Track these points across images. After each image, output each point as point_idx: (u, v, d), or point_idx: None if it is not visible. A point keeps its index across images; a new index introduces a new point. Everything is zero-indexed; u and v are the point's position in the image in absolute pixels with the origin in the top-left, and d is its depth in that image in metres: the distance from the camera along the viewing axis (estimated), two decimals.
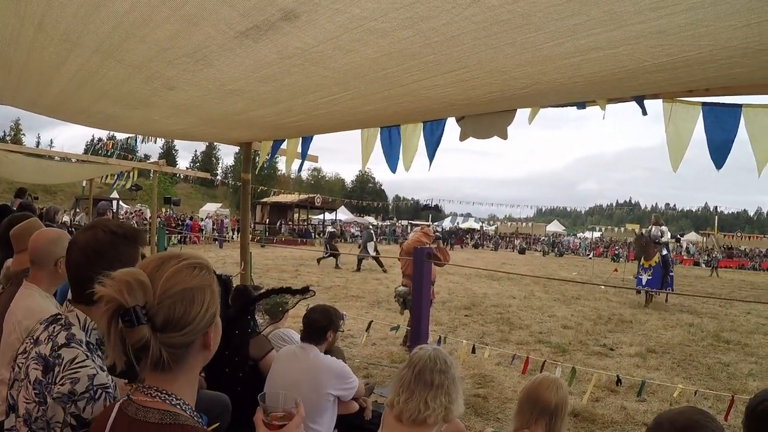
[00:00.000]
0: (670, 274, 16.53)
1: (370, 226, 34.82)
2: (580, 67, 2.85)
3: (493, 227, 76.90)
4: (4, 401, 2.17)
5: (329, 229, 32.33)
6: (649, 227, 17.07)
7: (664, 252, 16.30)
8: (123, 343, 1.37)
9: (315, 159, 8.49)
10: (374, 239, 25.23)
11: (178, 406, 1.46)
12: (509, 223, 78.42)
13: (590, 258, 45.46)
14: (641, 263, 16.27)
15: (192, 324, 1.44)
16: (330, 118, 4.65)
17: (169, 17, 2.59)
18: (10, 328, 2.85)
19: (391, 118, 4.73)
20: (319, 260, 25.09)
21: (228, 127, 5.52)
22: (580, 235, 75.94)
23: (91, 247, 2.16)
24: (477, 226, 71.78)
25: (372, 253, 23.83)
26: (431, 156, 4.90)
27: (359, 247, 25.24)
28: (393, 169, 5.29)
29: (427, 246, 8.38)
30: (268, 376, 4.21)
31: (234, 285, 5.41)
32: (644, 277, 16.01)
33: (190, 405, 1.51)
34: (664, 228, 16.87)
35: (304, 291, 4.82)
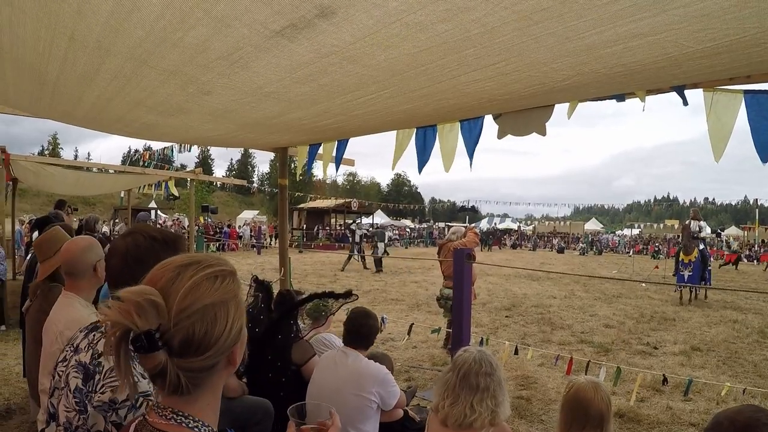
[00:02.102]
0: (708, 269, 16.16)
1: (381, 228, 34.54)
2: (621, 56, 2.76)
3: (530, 227, 76.40)
4: (46, 410, 2.16)
5: (355, 229, 30.66)
6: (688, 221, 16.74)
7: (701, 247, 15.89)
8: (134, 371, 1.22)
9: (351, 163, 8.48)
10: (385, 240, 25.34)
11: (195, 429, 1.29)
12: (547, 223, 77.92)
13: (630, 255, 44.85)
14: (681, 259, 15.90)
15: (215, 346, 1.26)
16: (367, 119, 4.60)
17: (201, 19, 2.55)
18: (51, 339, 2.84)
19: (428, 117, 4.65)
20: (363, 263, 24.90)
21: (265, 132, 5.49)
22: (618, 232, 74.98)
23: (131, 253, 2.14)
24: (514, 226, 71.46)
25: (380, 253, 24.10)
26: (471, 154, 4.83)
27: (373, 248, 25.38)
28: (420, 169, 5.24)
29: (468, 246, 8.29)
30: (309, 382, 4.18)
31: (276, 290, 5.38)
32: (686, 273, 15.65)
33: (210, 427, 1.34)
34: (702, 223, 16.57)
35: (347, 295, 4.77)
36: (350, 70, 3.17)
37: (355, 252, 24.65)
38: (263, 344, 4.48)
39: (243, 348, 1.39)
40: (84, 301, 3.02)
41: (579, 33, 2.46)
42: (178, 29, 2.69)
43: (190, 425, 1.28)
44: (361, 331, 4.16)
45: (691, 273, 15.50)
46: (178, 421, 1.28)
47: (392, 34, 2.56)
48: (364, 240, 25.97)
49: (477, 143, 4.81)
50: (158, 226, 28.55)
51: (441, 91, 3.58)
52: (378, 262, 24.06)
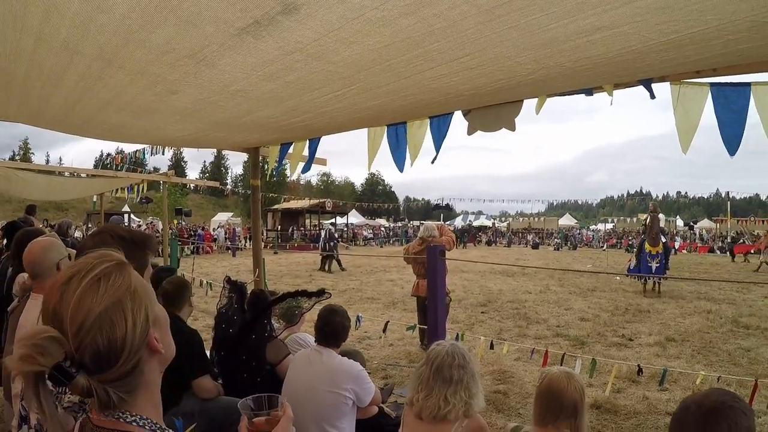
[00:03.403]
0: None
1: (331, 228, 34.48)
2: (586, 49, 2.79)
3: (505, 224, 76.70)
4: (18, 414, 2.15)
5: (328, 227, 30.36)
6: (646, 217, 16.88)
7: (663, 239, 16.16)
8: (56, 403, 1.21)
9: (324, 162, 8.46)
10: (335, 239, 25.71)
11: (134, 423, 1.27)
12: (521, 219, 78.31)
13: (604, 249, 45.24)
14: (647, 250, 16.01)
15: (125, 349, 1.22)
16: (336, 116, 4.60)
17: (166, 18, 2.55)
18: None
19: (398, 113, 4.67)
20: (328, 267, 24.66)
21: (234, 131, 5.47)
22: (592, 227, 75.60)
23: None
24: (489, 223, 71.62)
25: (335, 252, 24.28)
26: (437, 149, 4.86)
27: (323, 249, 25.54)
28: (400, 168, 5.26)
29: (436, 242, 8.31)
30: (284, 381, 4.18)
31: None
32: (653, 265, 15.80)
33: (150, 419, 1.31)
34: (661, 215, 16.75)
35: (320, 293, 4.77)
36: (315, 67, 3.18)
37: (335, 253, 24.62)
38: (237, 345, 4.47)
39: (162, 328, 1.37)
40: None
41: (542, 26, 2.48)
42: (144, 28, 2.69)
43: (128, 419, 1.27)
44: (327, 329, 4.15)
45: (658, 264, 15.68)
46: (116, 416, 1.26)
47: (356, 30, 2.58)
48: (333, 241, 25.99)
49: (444, 138, 4.83)
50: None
51: (407, 86, 3.59)
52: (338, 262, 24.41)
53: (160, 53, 3.03)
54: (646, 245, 15.99)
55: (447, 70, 3.19)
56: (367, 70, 3.24)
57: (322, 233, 28.42)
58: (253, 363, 4.39)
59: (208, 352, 4.77)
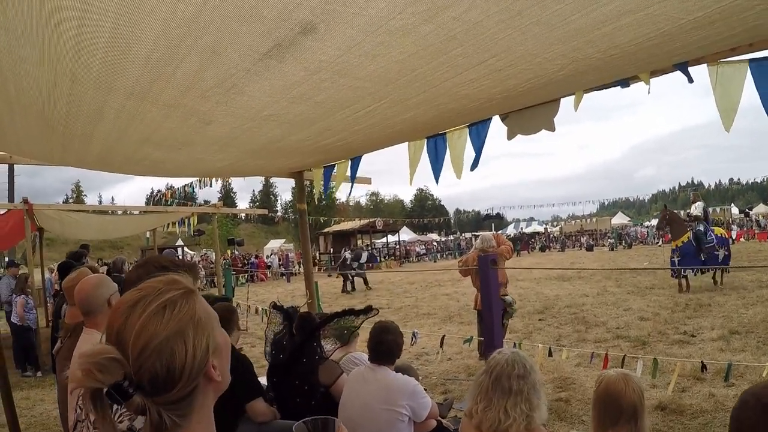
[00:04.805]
0: (715, 252, 15.05)
1: (360, 250, 34.38)
2: (613, 37, 2.71)
3: (557, 228, 75.79)
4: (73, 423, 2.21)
5: (345, 252, 30.31)
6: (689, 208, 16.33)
7: (700, 227, 15.22)
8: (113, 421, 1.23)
9: (368, 181, 8.47)
10: (359, 259, 26.00)
11: None
12: (573, 222, 77.20)
13: (660, 246, 44.24)
14: (672, 246, 15.60)
15: (182, 377, 1.24)
16: (370, 133, 4.60)
17: (190, 50, 2.58)
18: None
19: (434, 124, 4.63)
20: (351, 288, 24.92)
21: (272, 156, 5.52)
22: (646, 223, 74.05)
23: None
24: (541, 228, 70.92)
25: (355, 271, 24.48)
26: (477, 157, 4.81)
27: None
28: (437, 179, 5.22)
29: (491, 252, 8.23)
30: (340, 402, 4.15)
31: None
32: (675, 259, 15.33)
33: None
34: (698, 203, 16.07)
35: (368, 311, 4.74)
36: (343, 84, 3.17)
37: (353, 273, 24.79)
38: (288, 370, 4.47)
39: (222, 356, 1.38)
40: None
41: (564, 18, 2.42)
42: (170, 63, 2.73)
43: None
44: (381, 348, 4.11)
45: (680, 258, 15.18)
46: None
47: (377, 42, 2.56)
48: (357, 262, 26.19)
49: (483, 145, 4.78)
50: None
51: (437, 95, 3.56)
52: (363, 280, 24.65)
53: (189, 85, 3.07)
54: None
55: (475, 74, 3.15)
56: (394, 83, 3.22)
57: (347, 255, 28.76)
58: (305, 387, 4.37)
59: (264, 379, 4.78)
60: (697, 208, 15.94)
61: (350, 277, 24.32)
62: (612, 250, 47.01)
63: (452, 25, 2.40)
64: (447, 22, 2.37)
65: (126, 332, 1.22)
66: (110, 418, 1.20)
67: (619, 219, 74.84)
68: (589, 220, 76.25)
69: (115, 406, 1.91)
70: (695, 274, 15.51)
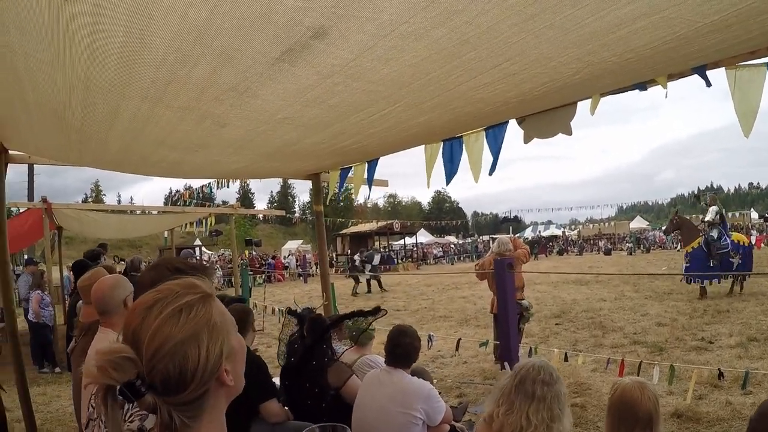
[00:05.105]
0: (730, 259, 14.59)
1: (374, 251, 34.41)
2: (628, 41, 2.67)
3: (575, 232, 75.35)
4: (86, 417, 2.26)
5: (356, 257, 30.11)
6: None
7: (713, 233, 14.89)
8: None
9: (385, 184, 8.46)
10: (371, 261, 25.92)
11: None
12: (591, 225, 76.73)
13: (678, 250, 43.86)
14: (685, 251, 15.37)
15: (194, 380, 1.26)
16: (385, 136, 4.59)
17: (203, 54, 2.59)
18: None
19: (449, 127, 4.62)
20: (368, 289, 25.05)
21: (288, 159, 5.53)
22: (665, 227, 73.41)
23: (156, 285, 2.18)
24: (559, 232, 70.53)
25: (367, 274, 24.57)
26: (495, 160, 4.79)
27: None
28: (448, 180, 5.20)
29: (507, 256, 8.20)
30: (354, 404, 4.15)
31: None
32: (686, 265, 15.17)
33: None
34: (712, 208, 15.61)
35: (376, 311, 4.73)
36: (356, 88, 3.17)
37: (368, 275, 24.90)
38: (299, 373, 4.47)
39: (236, 360, 1.40)
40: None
41: (578, 21, 2.39)
42: (183, 66, 2.74)
43: None
44: (398, 351, 4.11)
45: (689, 264, 15.00)
46: None
47: (390, 46, 2.55)
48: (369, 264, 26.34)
49: (501, 148, 4.76)
50: (203, 262, 28.97)
51: (451, 99, 3.54)
52: (378, 283, 24.82)
53: (204, 88, 3.08)
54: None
55: (489, 78, 3.13)
56: (408, 87, 3.21)
57: (356, 257, 28.88)
58: (315, 390, 4.37)
59: (277, 380, 4.79)
60: (711, 213, 15.60)
61: (361, 280, 24.42)
62: (630, 254, 46.62)
63: (465, 29, 2.39)
64: (459, 27, 2.36)
65: (141, 333, 1.24)
66: (119, 416, 1.22)
67: (638, 223, 74.14)
68: (607, 223, 75.61)
69: (126, 406, 1.95)
70: (703, 283, 15.09)
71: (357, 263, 26.77)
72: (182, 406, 1.27)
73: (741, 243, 14.89)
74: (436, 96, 3.45)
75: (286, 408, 4.41)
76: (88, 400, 2.29)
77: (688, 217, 19.53)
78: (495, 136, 4.78)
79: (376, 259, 26.01)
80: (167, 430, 1.27)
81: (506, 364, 4.34)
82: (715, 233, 14.93)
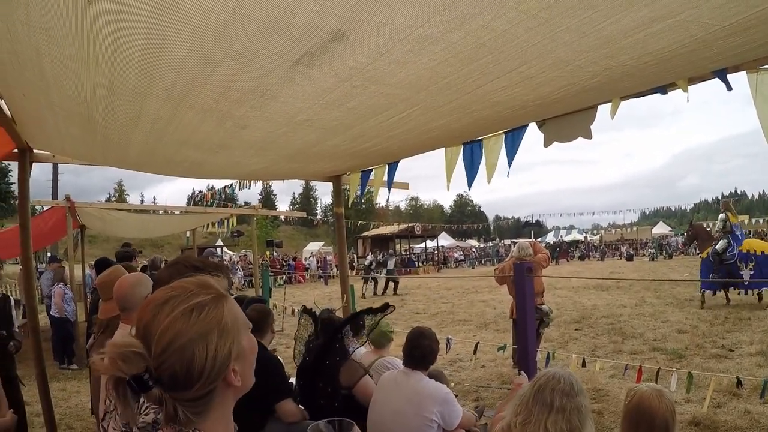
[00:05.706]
0: (740, 271, 13.97)
1: (389, 254, 34.35)
2: (646, 44, 2.66)
3: (597, 237, 74.75)
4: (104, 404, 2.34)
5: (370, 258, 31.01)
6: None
7: (718, 245, 14.49)
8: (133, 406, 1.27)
9: (406, 186, 8.46)
10: (386, 265, 26.21)
11: None
12: (614, 231, 75.99)
13: (701, 257, 43.34)
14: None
15: (200, 379, 1.27)
16: (406, 139, 4.61)
17: (224, 57, 2.63)
18: None
19: (469, 130, 4.63)
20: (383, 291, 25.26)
21: (308, 161, 5.56)
22: (684, 239, 72.39)
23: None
24: (581, 237, 70.01)
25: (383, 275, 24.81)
26: (510, 162, 4.79)
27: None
28: (469, 184, 5.20)
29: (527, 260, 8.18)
30: (370, 405, 4.16)
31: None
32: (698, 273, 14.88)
33: None
34: (721, 215, 15.08)
35: (384, 308, 4.74)
36: (375, 91, 3.19)
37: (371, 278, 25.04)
38: (314, 372, 4.49)
39: (246, 361, 1.41)
40: None
41: (594, 25, 2.39)
42: (204, 68, 2.78)
43: None
44: (417, 353, 4.12)
45: (699, 272, 14.84)
46: None
47: (407, 49, 2.57)
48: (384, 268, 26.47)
49: (516, 152, 4.75)
50: (224, 262, 29.14)
51: (469, 102, 3.55)
52: (395, 285, 24.99)
53: (224, 90, 3.12)
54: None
55: (506, 81, 3.13)
56: (426, 90, 3.23)
57: (369, 259, 29.14)
58: (329, 389, 4.39)
59: (294, 380, 4.82)
60: (719, 222, 15.19)
61: (372, 281, 24.53)
62: (652, 260, 46.14)
63: (481, 33, 2.40)
64: (475, 30, 2.37)
65: (152, 329, 1.27)
66: (131, 406, 1.25)
67: (660, 228, 73.27)
68: (629, 229, 75.02)
69: (142, 399, 1.99)
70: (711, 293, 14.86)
71: (371, 266, 26.88)
72: (188, 401, 1.29)
73: (753, 252, 14.06)
74: (454, 99, 3.46)
75: (302, 407, 4.44)
76: (105, 394, 2.34)
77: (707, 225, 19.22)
78: (513, 140, 4.78)
79: (391, 263, 26.08)
80: (171, 422, 1.29)
81: (522, 372, 4.30)
82: (719, 244, 14.59)
